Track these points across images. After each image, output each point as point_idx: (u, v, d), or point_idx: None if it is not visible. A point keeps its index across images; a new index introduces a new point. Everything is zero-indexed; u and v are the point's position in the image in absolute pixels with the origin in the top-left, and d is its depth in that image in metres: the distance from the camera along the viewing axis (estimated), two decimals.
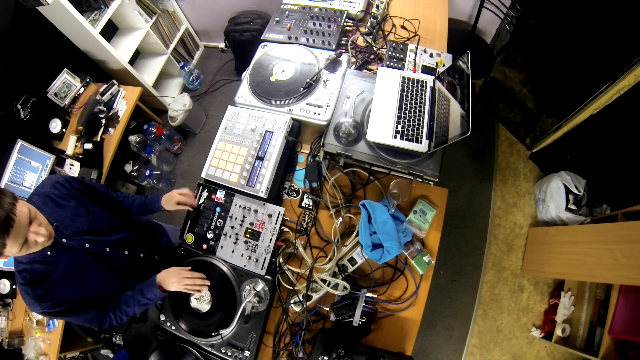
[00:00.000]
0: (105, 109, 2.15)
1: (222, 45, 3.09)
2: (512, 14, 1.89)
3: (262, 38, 1.59)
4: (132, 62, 2.56)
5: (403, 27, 1.58)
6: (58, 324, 1.81)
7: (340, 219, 1.25)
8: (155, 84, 2.70)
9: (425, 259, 1.19)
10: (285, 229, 1.28)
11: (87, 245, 1.05)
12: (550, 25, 1.96)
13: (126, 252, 1.18)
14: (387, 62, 1.40)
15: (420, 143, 1.18)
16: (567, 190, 2.05)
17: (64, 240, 1.00)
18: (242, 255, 1.23)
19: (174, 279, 1.13)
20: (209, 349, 1.22)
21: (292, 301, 1.19)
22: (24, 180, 1.95)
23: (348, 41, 1.54)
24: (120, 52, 2.34)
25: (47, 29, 2.10)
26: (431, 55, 1.42)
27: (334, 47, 1.48)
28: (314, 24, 1.56)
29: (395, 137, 1.19)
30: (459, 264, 2.25)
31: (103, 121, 2.13)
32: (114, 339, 2.25)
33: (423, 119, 1.22)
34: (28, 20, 2.00)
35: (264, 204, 1.25)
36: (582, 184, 2.07)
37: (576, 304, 2.00)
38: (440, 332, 2.16)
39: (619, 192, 1.96)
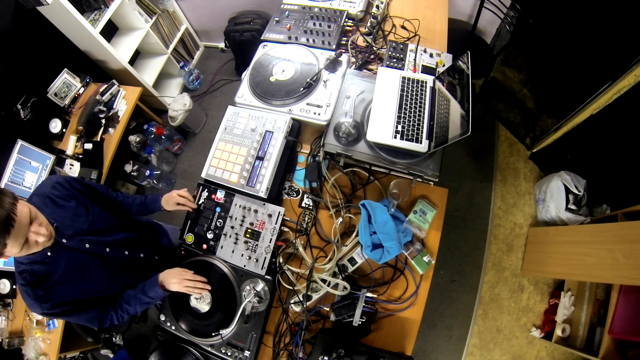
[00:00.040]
0: (105, 109, 2.15)
1: (222, 45, 3.09)
2: (512, 14, 1.89)
3: (262, 38, 1.59)
4: (132, 62, 2.56)
5: (403, 27, 1.58)
6: (58, 324, 1.81)
7: (340, 219, 1.25)
8: (155, 84, 2.70)
9: (425, 259, 1.19)
10: (285, 229, 1.28)
11: (87, 245, 1.05)
12: (550, 25, 1.96)
13: (126, 252, 1.18)
14: (387, 62, 1.40)
15: (420, 143, 1.18)
16: (567, 190, 2.05)
17: (64, 240, 1.00)
18: (242, 255, 1.23)
19: (175, 279, 1.13)
20: (209, 349, 1.22)
21: (292, 301, 1.19)
22: (24, 180, 1.95)
23: (348, 41, 1.54)
24: (120, 52, 2.34)
25: (47, 29, 2.10)
26: (431, 55, 1.42)
27: (334, 47, 1.48)
28: (314, 24, 1.56)
29: (395, 137, 1.19)
30: (459, 264, 2.25)
31: (103, 121, 2.13)
32: (114, 339, 2.25)
33: (423, 119, 1.23)
34: (28, 20, 2.00)
35: (264, 204, 1.25)
36: (582, 184, 2.07)
37: (576, 304, 2.00)
38: (440, 332, 2.16)
39: (619, 192, 1.96)
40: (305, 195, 1.33)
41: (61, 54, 2.24)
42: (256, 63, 1.48)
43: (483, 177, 2.42)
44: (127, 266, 1.20)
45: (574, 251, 1.82)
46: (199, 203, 1.32)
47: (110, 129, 2.15)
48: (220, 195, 1.31)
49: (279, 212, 1.23)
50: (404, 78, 1.30)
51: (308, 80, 1.35)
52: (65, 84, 2.20)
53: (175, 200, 1.26)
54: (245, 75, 1.48)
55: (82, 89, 2.28)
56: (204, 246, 1.28)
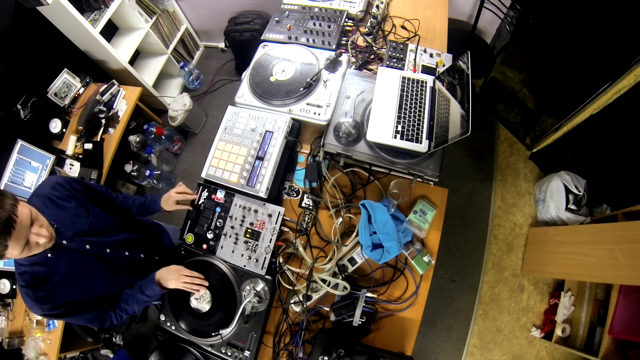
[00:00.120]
0: (105, 109, 2.15)
1: (222, 45, 3.09)
2: (512, 14, 1.89)
3: (262, 38, 1.59)
4: (132, 62, 2.56)
5: (403, 27, 1.58)
6: (58, 324, 1.81)
7: (340, 219, 1.25)
8: (155, 84, 2.70)
9: (425, 259, 1.19)
10: (285, 229, 1.28)
11: (87, 246, 1.05)
12: (550, 25, 1.96)
13: (127, 253, 1.18)
14: (387, 62, 1.40)
15: (420, 143, 1.18)
16: (567, 190, 2.05)
17: (64, 242, 1.00)
18: (242, 255, 1.23)
19: (172, 276, 1.13)
20: (209, 349, 1.22)
21: (292, 301, 1.19)
22: (24, 180, 1.95)
23: (348, 41, 1.54)
24: (120, 52, 2.34)
25: (47, 29, 2.10)
26: (431, 55, 1.42)
27: (334, 47, 1.48)
28: (314, 24, 1.56)
29: (395, 137, 1.19)
30: (459, 264, 2.25)
31: (103, 121, 2.13)
32: (114, 339, 2.25)
33: (423, 119, 1.23)
34: (28, 20, 2.00)
35: (264, 204, 1.25)
36: (582, 184, 2.07)
37: (576, 304, 2.00)
38: (440, 332, 2.16)
39: (619, 192, 1.96)
40: (305, 195, 1.33)
41: (61, 54, 2.24)
42: (256, 63, 1.48)
43: (483, 177, 2.42)
44: (128, 267, 1.20)
45: (574, 251, 1.82)
46: (199, 203, 1.32)
47: (110, 129, 2.15)
48: (220, 195, 1.31)
49: (279, 212, 1.23)
50: (404, 78, 1.30)
51: (308, 80, 1.35)
52: (65, 84, 2.20)
53: (174, 199, 1.26)
54: (245, 75, 1.48)
55: (82, 89, 2.28)
56: (204, 246, 1.28)
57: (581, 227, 1.99)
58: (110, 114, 2.16)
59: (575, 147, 2.09)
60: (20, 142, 1.94)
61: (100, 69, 2.48)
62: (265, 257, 1.21)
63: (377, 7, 1.56)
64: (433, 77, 1.30)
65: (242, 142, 1.30)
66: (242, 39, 2.56)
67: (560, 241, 1.95)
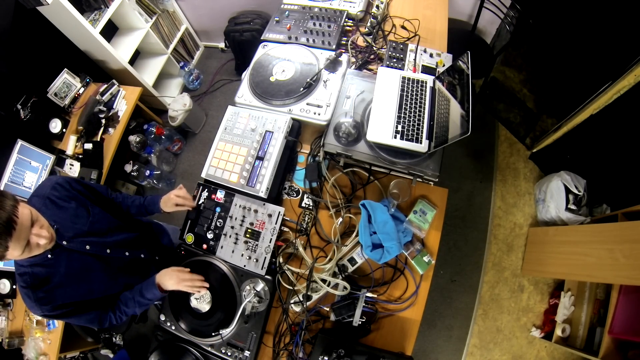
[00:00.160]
0: (105, 109, 2.15)
1: (222, 45, 3.09)
2: (512, 14, 1.89)
3: (262, 38, 1.59)
4: (132, 62, 2.56)
5: (403, 27, 1.58)
6: (58, 324, 1.81)
7: (340, 219, 1.25)
8: (155, 84, 2.70)
9: (425, 259, 1.19)
10: (285, 229, 1.28)
11: (87, 247, 1.05)
12: (550, 26, 1.96)
13: (127, 253, 1.18)
14: (387, 62, 1.40)
15: (420, 143, 1.18)
16: (567, 190, 2.05)
17: (64, 242, 1.00)
18: (242, 255, 1.23)
19: (172, 279, 1.13)
20: (209, 349, 1.22)
21: (292, 301, 1.19)
22: (24, 180, 1.95)
23: (348, 41, 1.54)
24: (120, 52, 2.34)
25: (47, 29, 2.10)
26: (431, 55, 1.42)
27: (334, 47, 1.48)
28: (314, 24, 1.56)
29: (395, 137, 1.19)
30: (459, 264, 2.25)
31: (103, 121, 2.13)
32: (114, 339, 2.25)
33: (423, 119, 1.23)
34: (28, 20, 1.99)
35: (264, 204, 1.25)
36: (582, 184, 2.07)
37: (576, 304, 2.00)
38: (440, 332, 2.16)
39: (619, 192, 1.96)
40: (305, 195, 1.33)
41: (61, 54, 2.24)
42: (256, 63, 1.48)
43: (483, 177, 2.42)
44: (128, 267, 1.20)
45: (574, 251, 1.82)
46: (199, 203, 1.32)
47: (110, 129, 2.15)
48: (220, 195, 1.31)
49: (279, 212, 1.23)
50: (404, 78, 1.30)
51: (308, 80, 1.35)
52: (65, 84, 2.20)
53: (174, 201, 1.25)
54: (245, 75, 1.48)
55: (82, 89, 2.28)
56: (204, 246, 1.28)
57: (581, 227, 1.99)
58: (110, 114, 2.16)
59: (575, 147, 2.09)
60: (20, 142, 1.94)
61: (100, 69, 2.48)
62: (265, 257, 1.21)
63: (377, 7, 1.56)
64: (433, 77, 1.30)
65: (242, 142, 1.30)
66: (242, 39, 2.56)
67: (560, 241, 1.95)
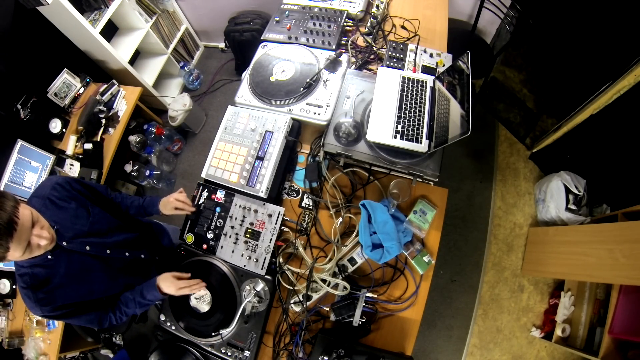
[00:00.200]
0: (105, 109, 2.15)
1: (222, 45, 3.09)
2: (512, 14, 1.89)
3: (262, 38, 1.59)
4: (132, 62, 2.56)
5: (403, 27, 1.58)
6: (58, 324, 1.81)
7: (340, 219, 1.25)
8: (155, 84, 2.70)
9: (425, 259, 1.19)
10: (285, 229, 1.28)
11: (87, 247, 1.05)
12: (550, 25, 1.96)
13: (127, 254, 1.18)
14: (387, 62, 1.40)
15: (420, 143, 1.18)
16: (567, 190, 2.05)
17: (64, 243, 0.99)
18: (242, 255, 1.23)
19: (170, 288, 1.12)
20: (209, 349, 1.22)
21: (292, 301, 1.19)
22: (24, 180, 1.95)
23: (348, 41, 1.54)
24: (120, 52, 2.34)
25: (47, 29, 2.10)
26: (431, 55, 1.42)
27: (334, 47, 1.48)
28: (314, 24, 1.56)
29: (395, 137, 1.19)
30: (459, 264, 2.25)
31: (103, 121, 2.13)
32: (114, 339, 2.25)
33: (423, 119, 1.23)
34: (28, 20, 2.00)
35: (264, 204, 1.25)
36: (582, 184, 2.07)
37: (576, 304, 2.00)
38: (440, 332, 2.16)
39: (619, 192, 1.96)
40: (305, 195, 1.33)
41: (61, 54, 2.24)
42: (256, 63, 1.48)
43: (483, 177, 2.42)
44: (128, 267, 1.20)
45: (574, 251, 1.82)
46: (199, 203, 1.32)
47: (110, 129, 2.15)
48: (220, 195, 1.31)
49: (279, 212, 1.23)
50: (404, 78, 1.30)
51: (308, 80, 1.35)
52: (65, 84, 2.20)
53: (173, 205, 1.25)
54: (245, 75, 1.48)
55: (82, 89, 2.28)
56: (204, 246, 1.28)
57: (581, 227, 1.99)
58: (110, 114, 2.16)
59: (575, 147, 2.09)
60: (20, 142, 1.94)
61: (100, 69, 2.48)
62: (265, 257, 1.21)
63: (377, 7, 1.56)
64: (433, 77, 1.30)
65: (242, 142, 1.30)
66: (242, 39, 2.56)
67: (560, 241, 1.95)
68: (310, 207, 1.31)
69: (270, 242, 1.22)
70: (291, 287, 1.21)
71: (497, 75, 2.45)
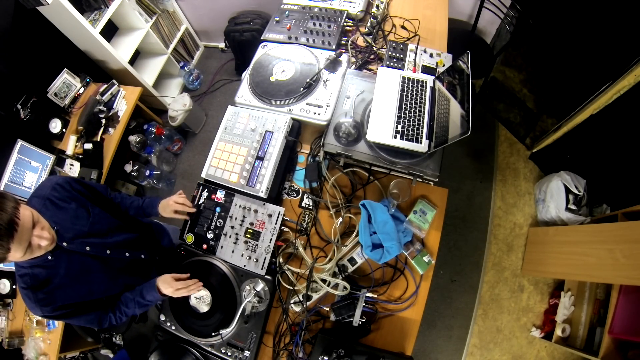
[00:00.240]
0: (105, 109, 2.15)
1: (222, 45, 3.09)
2: (512, 14, 1.89)
3: (262, 38, 1.59)
4: (132, 62, 2.56)
5: (403, 27, 1.58)
6: (58, 324, 1.81)
7: (340, 219, 1.25)
8: (155, 84, 2.70)
9: (425, 259, 1.19)
10: (285, 229, 1.28)
11: (87, 248, 1.05)
12: (550, 25, 1.96)
13: (127, 254, 1.18)
14: (387, 62, 1.40)
15: (420, 143, 1.18)
16: (567, 190, 2.05)
17: (64, 244, 0.99)
18: (242, 255, 1.23)
19: (168, 290, 1.12)
20: (209, 349, 1.22)
21: (292, 301, 1.19)
22: (24, 180, 1.95)
23: (348, 41, 1.54)
24: (120, 52, 2.34)
25: (47, 29, 2.10)
26: (431, 55, 1.42)
27: (334, 47, 1.48)
28: (314, 24, 1.56)
29: (395, 137, 1.19)
30: (459, 264, 2.25)
31: (103, 121, 2.13)
32: (114, 339, 2.25)
33: (423, 119, 1.23)
34: (28, 20, 2.00)
35: (264, 204, 1.25)
36: (582, 184, 2.07)
37: (576, 304, 2.00)
38: (440, 332, 2.16)
39: (619, 192, 1.96)
40: (305, 195, 1.33)
41: (61, 54, 2.24)
42: (256, 63, 1.48)
43: (483, 177, 2.42)
44: (128, 268, 1.20)
45: (574, 251, 1.82)
46: (199, 203, 1.32)
47: (110, 129, 2.15)
48: (220, 195, 1.31)
49: (279, 212, 1.23)
50: (404, 78, 1.30)
51: (308, 80, 1.35)
52: (65, 84, 2.20)
53: (172, 207, 1.25)
54: (245, 75, 1.48)
55: (82, 89, 2.28)
56: (204, 246, 1.28)
57: (581, 227, 1.99)
58: (110, 114, 2.16)
59: (575, 147, 2.09)
60: (20, 142, 1.94)
61: (100, 69, 2.48)
62: (265, 257, 1.21)
63: (377, 7, 1.56)
64: (433, 77, 1.30)
65: (242, 142, 1.30)
66: (242, 39, 2.56)
67: (560, 241, 1.95)
68: (310, 207, 1.31)
69: (270, 242, 1.22)
70: (291, 287, 1.21)
71: (497, 75, 2.45)
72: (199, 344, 1.23)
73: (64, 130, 2.19)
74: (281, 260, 1.24)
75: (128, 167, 2.46)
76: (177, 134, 2.78)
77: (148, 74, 2.67)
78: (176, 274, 1.17)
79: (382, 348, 1.13)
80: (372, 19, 1.54)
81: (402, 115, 1.23)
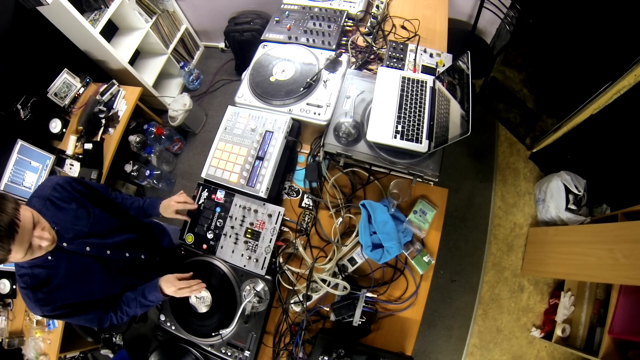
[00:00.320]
0: (105, 109, 2.15)
1: (222, 45, 3.09)
2: (512, 14, 1.89)
3: (262, 38, 1.59)
4: (132, 62, 2.56)
5: (403, 27, 1.58)
6: (58, 324, 1.81)
7: (340, 219, 1.25)
8: (155, 84, 2.70)
9: (425, 259, 1.19)
10: (285, 229, 1.28)
11: (87, 248, 1.05)
12: (550, 25, 1.97)
13: (127, 255, 1.18)
14: (387, 62, 1.40)
15: (420, 143, 1.18)
16: (567, 190, 2.05)
17: (64, 244, 0.99)
18: (242, 255, 1.23)
19: (171, 289, 1.13)
20: (209, 349, 1.22)
21: (292, 301, 1.19)
22: (24, 180, 1.95)
23: (348, 41, 1.54)
24: (120, 52, 2.34)
25: (47, 29, 2.10)
26: (431, 55, 1.42)
27: (334, 47, 1.48)
28: (314, 24, 1.56)
29: (395, 137, 1.19)
30: (459, 264, 2.25)
31: (103, 121, 2.13)
32: (114, 339, 2.25)
33: (423, 119, 1.23)
34: (28, 20, 2.00)
35: (264, 204, 1.25)
36: (582, 184, 2.07)
37: (576, 304, 2.00)
38: (440, 332, 2.16)
39: (619, 192, 1.96)
40: (305, 195, 1.33)
41: (61, 54, 2.23)
42: (256, 63, 1.48)
43: (483, 177, 2.42)
44: (128, 268, 1.19)
45: (574, 251, 1.82)
46: (199, 203, 1.32)
47: (110, 129, 2.15)
48: (220, 195, 1.31)
49: (279, 212, 1.23)
50: (404, 78, 1.30)
51: (308, 80, 1.35)
52: (65, 84, 2.20)
53: (174, 207, 1.25)
54: (245, 75, 1.48)
55: (82, 89, 2.28)
56: (204, 246, 1.28)
57: (581, 227, 1.99)
58: (110, 114, 2.16)
59: (575, 147, 2.09)
60: (20, 142, 1.94)
61: (100, 69, 2.48)
62: (265, 257, 1.21)
63: (377, 7, 1.56)
64: (433, 77, 1.30)
65: (242, 142, 1.30)
66: (242, 39, 2.56)
67: (560, 241, 1.95)
68: (310, 207, 1.31)
69: (270, 242, 1.22)
70: (291, 287, 1.21)
71: (497, 75, 2.46)
72: (199, 344, 1.24)
73: (64, 130, 2.19)
74: (281, 260, 1.24)
75: (128, 167, 2.46)
76: (177, 134, 2.78)
77: (148, 74, 2.67)
78: (179, 274, 1.17)
79: (382, 348, 1.14)
80: (372, 19, 1.54)
81: (402, 115, 1.23)
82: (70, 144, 2.11)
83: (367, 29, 1.56)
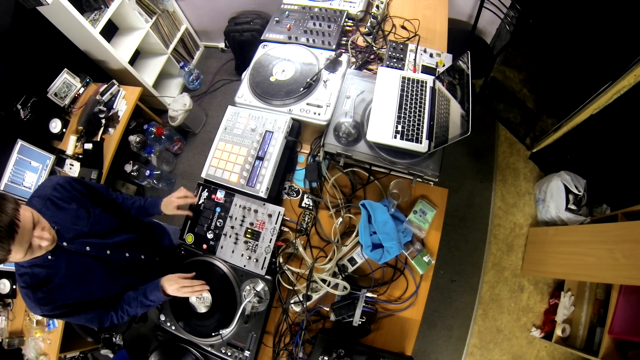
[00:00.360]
0: (105, 109, 2.15)
1: (222, 45, 3.09)
2: (512, 14, 1.89)
3: (262, 38, 1.59)
4: (132, 62, 2.56)
5: (403, 27, 1.58)
6: (58, 324, 1.81)
7: (340, 219, 1.25)
8: (155, 84, 2.70)
9: (425, 259, 1.19)
10: (285, 229, 1.28)
11: (87, 248, 1.05)
12: (550, 25, 1.97)
13: (127, 255, 1.18)
14: (387, 62, 1.40)
15: (420, 143, 1.18)
16: (567, 190, 2.05)
17: (64, 244, 0.99)
18: (242, 255, 1.23)
19: (173, 287, 1.13)
20: (209, 349, 1.22)
21: (292, 301, 1.19)
22: (24, 180, 1.95)
23: (348, 41, 1.54)
24: (120, 52, 2.34)
25: (47, 29, 2.10)
26: (431, 55, 1.42)
27: (334, 47, 1.48)
28: (314, 24, 1.56)
29: (395, 137, 1.19)
30: (459, 264, 2.25)
31: (103, 121, 2.13)
32: (114, 339, 2.25)
33: (423, 119, 1.23)
34: (28, 20, 2.00)
35: (264, 204, 1.25)
36: (582, 184, 2.07)
37: (576, 304, 2.00)
38: (440, 332, 2.16)
39: (619, 192, 1.96)
40: (305, 195, 1.33)
41: (61, 54, 2.24)
42: (256, 63, 1.48)
43: (483, 177, 2.42)
44: (128, 268, 1.19)
45: (574, 251, 1.82)
46: (199, 203, 1.32)
47: (110, 129, 2.15)
48: (220, 195, 1.31)
49: (279, 212, 1.23)
50: (404, 78, 1.30)
51: (308, 80, 1.35)
52: (65, 84, 2.20)
53: (175, 204, 1.25)
54: (245, 75, 1.48)
55: (82, 89, 2.28)
56: (204, 246, 1.28)
57: (581, 227, 1.99)
58: (110, 114, 2.16)
59: (575, 147, 2.09)
60: (20, 142, 1.94)
61: (100, 69, 2.48)
62: (265, 257, 1.21)
63: (377, 7, 1.56)
64: (433, 77, 1.30)
65: (242, 142, 1.30)
66: (242, 39, 2.56)
67: (560, 241, 1.95)
68: (310, 207, 1.31)
69: (270, 242, 1.22)
70: (291, 287, 1.21)
71: (497, 75, 2.46)
72: (199, 344, 1.24)
73: (64, 130, 2.19)
74: (281, 260, 1.24)
75: (128, 167, 2.46)
76: (177, 134, 2.78)
77: (148, 74, 2.67)
78: (181, 273, 1.17)
79: (382, 348, 1.14)
80: (372, 19, 1.54)
81: (402, 115, 1.23)
82: (70, 144, 2.11)
83: (367, 29, 1.56)
